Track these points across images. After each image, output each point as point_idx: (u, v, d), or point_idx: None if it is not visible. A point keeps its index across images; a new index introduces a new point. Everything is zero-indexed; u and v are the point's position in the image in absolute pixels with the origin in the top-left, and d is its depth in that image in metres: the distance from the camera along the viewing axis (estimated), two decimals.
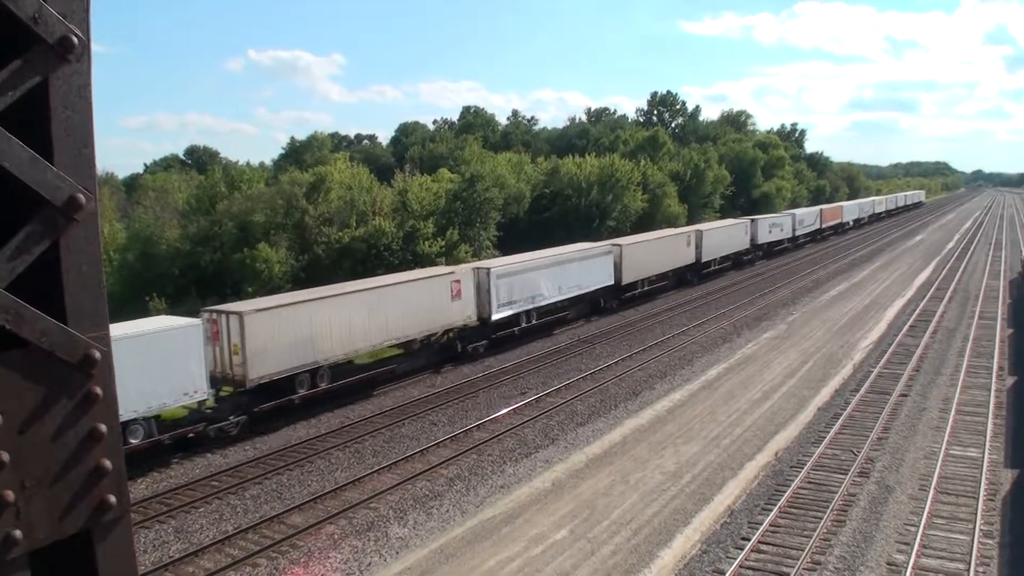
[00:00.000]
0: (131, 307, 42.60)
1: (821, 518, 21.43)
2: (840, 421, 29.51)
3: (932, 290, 59.58)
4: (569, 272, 48.22)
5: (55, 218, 2.02)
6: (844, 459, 25.94)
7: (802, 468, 25.13)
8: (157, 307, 44.15)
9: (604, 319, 51.26)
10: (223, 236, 54.06)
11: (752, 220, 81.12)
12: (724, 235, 72.75)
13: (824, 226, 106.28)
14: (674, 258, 62.88)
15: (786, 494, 23.12)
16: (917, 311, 50.52)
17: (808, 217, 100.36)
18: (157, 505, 23.56)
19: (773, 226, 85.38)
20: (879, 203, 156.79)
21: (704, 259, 67.17)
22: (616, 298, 54.82)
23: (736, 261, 75.85)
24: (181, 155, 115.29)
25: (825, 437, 27.92)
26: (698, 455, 26.75)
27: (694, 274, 66.45)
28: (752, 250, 79.43)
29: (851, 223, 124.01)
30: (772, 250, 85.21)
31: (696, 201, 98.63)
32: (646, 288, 58.55)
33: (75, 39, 2.01)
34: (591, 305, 52.54)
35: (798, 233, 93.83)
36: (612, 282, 52.90)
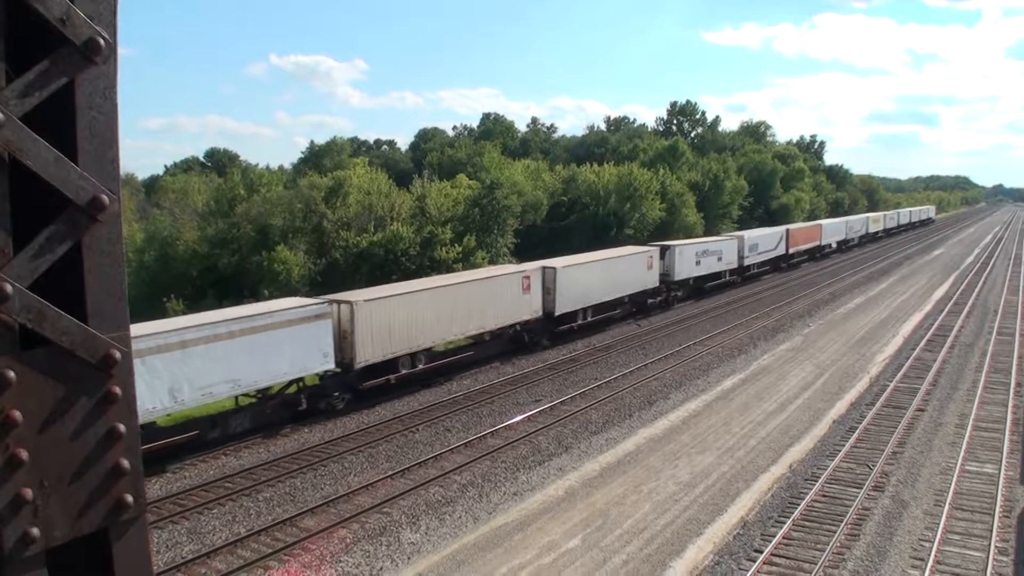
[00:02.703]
0: (148, 308, 42.80)
1: (835, 532, 21.31)
2: (855, 435, 29.34)
3: (950, 304, 59.18)
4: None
5: (78, 218, 2.03)
6: (859, 473, 25.78)
7: (816, 481, 25.00)
8: (175, 308, 44.38)
9: (619, 329, 51.15)
10: (241, 238, 54.33)
11: (664, 248, 58.60)
12: (600, 273, 49.38)
13: (793, 251, 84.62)
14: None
15: (800, 507, 23.00)
16: (935, 325, 50.21)
17: (767, 240, 78.24)
18: (171, 506, 23.62)
19: (704, 254, 63.32)
20: (875, 221, 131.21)
21: (558, 312, 45.43)
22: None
23: (636, 304, 54.46)
24: (201, 157, 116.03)
25: (840, 450, 27.77)
26: (712, 466, 26.64)
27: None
28: (666, 289, 58.13)
29: (833, 245, 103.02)
30: (703, 287, 63.95)
31: (714, 211, 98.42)
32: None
33: (102, 41, 2.03)
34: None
35: (750, 262, 72.98)
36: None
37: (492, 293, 40.74)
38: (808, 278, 77.00)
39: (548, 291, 44.32)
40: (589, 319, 48.43)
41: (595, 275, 48.22)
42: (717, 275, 66.28)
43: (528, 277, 43.33)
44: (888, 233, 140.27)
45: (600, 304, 49.44)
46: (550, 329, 46.01)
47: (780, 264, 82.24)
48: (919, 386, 35.63)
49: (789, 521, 22.06)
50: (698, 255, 62.10)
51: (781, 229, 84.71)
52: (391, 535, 21.89)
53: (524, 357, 42.78)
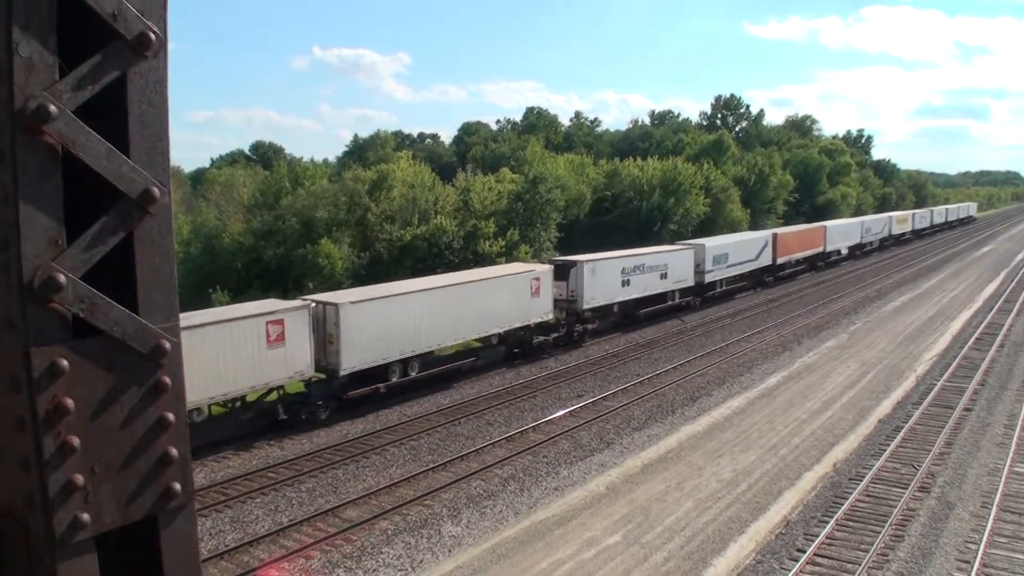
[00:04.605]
0: (193, 299, 43.26)
1: (879, 532, 21.06)
2: (901, 434, 28.97)
3: (1000, 302, 58.16)
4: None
5: (130, 210, 2.06)
6: (904, 473, 25.45)
7: (861, 481, 24.71)
8: (220, 300, 44.84)
9: (660, 324, 50.90)
10: (286, 231, 54.72)
11: (563, 265, 45.14)
12: (425, 309, 34.65)
13: (783, 260, 69.73)
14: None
15: (844, 506, 22.75)
16: (984, 323, 49.38)
17: (741, 248, 62.68)
18: (214, 494, 23.90)
19: (635, 270, 49.02)
20: (900, 221, 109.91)
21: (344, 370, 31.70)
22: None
23: (514, 344, 41.68)
24: (246, 150, 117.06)
25: (885, 450, 27.42)
26: (755, 464, 26.45)
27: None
28: (570, 321, 44.79)
29: (843, 252, 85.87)
30: (637, 314, 50.28)
31: (759, 206, 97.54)
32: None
33: (152, 36, 2.06)
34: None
35: (716, 277, 58.63)
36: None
37: (496, 294, 38.32)
38: (854, 274, 75.67)
39: (330, 338, 30.98)
40: (414, 374, 34.67)
41: (414, 312, 33.90)
42: (659, 297, 51.69)
43: (538, 278, 41.21)
44: (918, 235, 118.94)
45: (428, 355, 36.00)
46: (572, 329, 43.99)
47: (764, 278, 67.25)
48: (967, 385, 35.08)
49: (833, 521, 21.84)
50: (625, 272, 47.81)
51: (764, 234, 69.42)
52: (432, 527, 21.99)
53: (569, 352, 42.76)
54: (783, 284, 68.65)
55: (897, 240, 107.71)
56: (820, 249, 78.66)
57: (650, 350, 43.56)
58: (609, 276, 46.71)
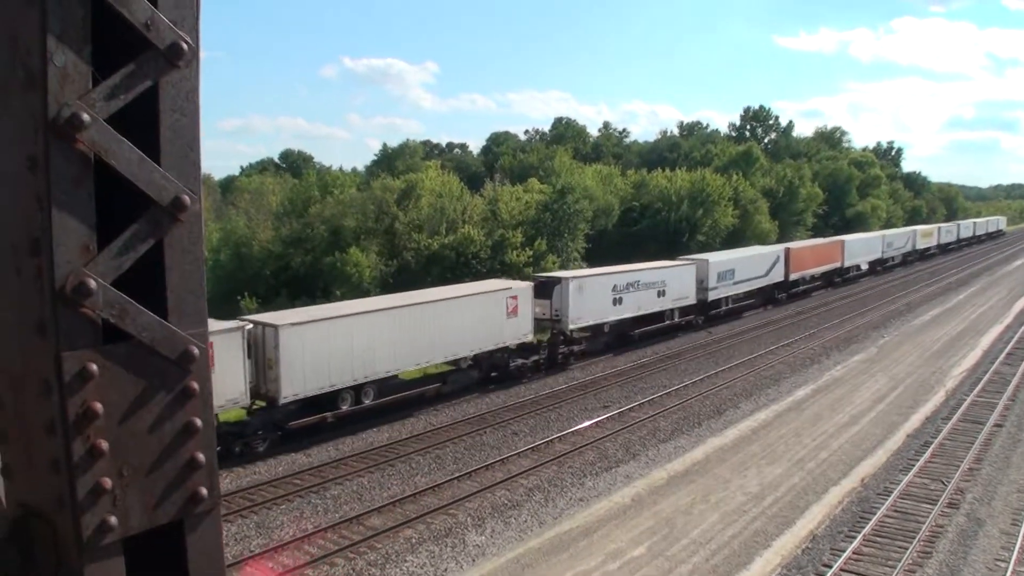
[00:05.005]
0: (222, 306, 43.58)
1: (907, 548, 20.83)
2: (930, 449, 28.65)
3: None
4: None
5: (161, 218, 2.09)
6: (933, 489, 25.17)
7: (889, 496, 24.47)
8: (248, 306, 45.17)
9: (687, 336, 50.73)
10: (315, 239, 55.14)
11: (546, 283, 42.22)
12: (385, 331, 32.18)
13: (797, 276, 66.23)
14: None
15: (871, 522, 22.53)
16: (1015, 338, 48.76)
17: (749, 264, 59.22)
18: (240, 500, 24.03)
19: (629, 287, 45.90)
20: (925, 235, 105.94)
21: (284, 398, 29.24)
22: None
23: (490, 369, 38.71)
24: (276, 158, 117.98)
25: (914, 465, 27.14)
26: (781, 477, 26.28)
27: None
28: (556, 343, 42.11)
29: (863, 267, 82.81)
30: (631, 334, 47.38)
31: (787, 218, 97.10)
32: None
33: (185, 45, 2.09)
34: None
35: (720, 295, 55.32)
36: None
37: (466, 313, 35.62)
38: (881, 288, 75.06)
39: (269, 362, 28.58)
40: (369, 402, 31.96)
41: (368, 334, 31.19)
42: (657, 316, 48.66)
43: (516, 297, 38.35)
44: (944, 250, 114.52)
45: (390, 380, 33.31)
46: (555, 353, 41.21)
47: (775, 295, 64.19)
48: (997, 401, 34.66)
49: (860, 536, 21.63)
50: (617, 289, 44.70)
51: (775, 249, 66.30)
52: (456, 536, 21.99)
53: (593, 362, 42.70)
54: (800, 300, 67.64)
55: (922, 255, 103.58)
56: (837, 264, 75.23)
57: (676, 362, 43.40)
58: (598, 294, 43.39)
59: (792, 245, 69.26)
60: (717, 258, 56.51)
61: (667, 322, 49.80)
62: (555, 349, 41.56)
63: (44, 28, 1.86)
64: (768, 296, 63.42)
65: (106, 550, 2.04)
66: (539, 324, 40.91)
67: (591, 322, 43.43)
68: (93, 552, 2.02)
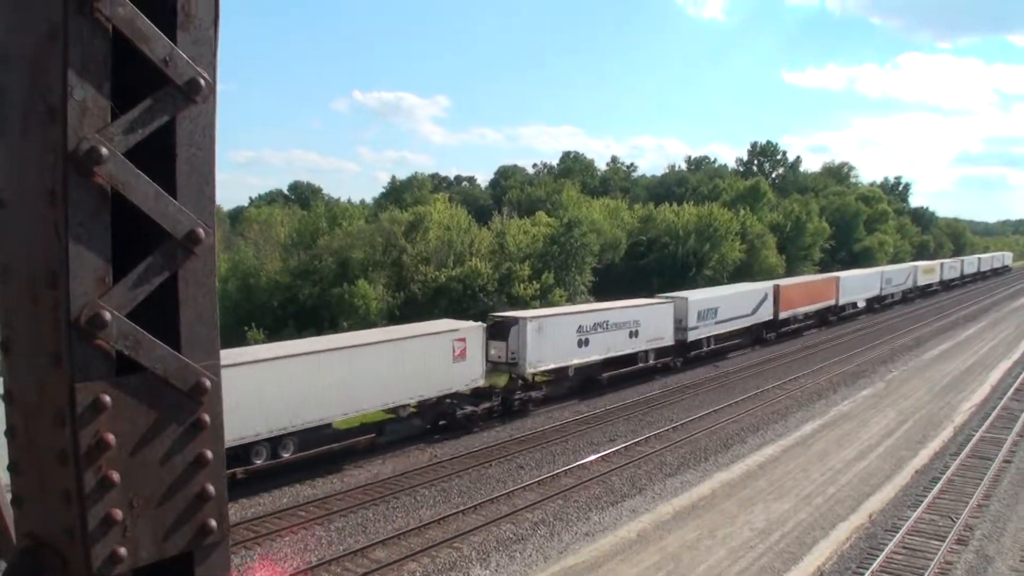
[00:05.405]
0: (229, 337, 43.59)
1: None
2: (938, 485, 28.49)
3: None
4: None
5: (175, 251, 2.11)
6: (942, 525, 25.00)
7: (897, 532, 24.30)
8: (255, 338, 45.19)
9: (695, 371, 50.61)
10: (323, 270, 55.24)
11: (500, 324, 39.58)
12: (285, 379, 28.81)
13: (787, 315, 63.34)
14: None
15: (879, 558, 22.35)
16: None
17: (734, 303, 56.26)
18: (244, 531, 23.93)
19: (596, 328, 42.92)
20: (927, 271, 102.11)
21: None
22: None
23: (437, 417, 35.94)
24: (285, 190, 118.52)
25: (922, 501, 26.96)
26: (789, 513, 26.12)
27: None
28: (513, 388, 39.32)
29: (860, 304, 79.03)
30: (599, 377, 44.05)
31: (795, 253, 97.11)
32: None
33: (202, 81, 2.12)
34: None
35: (702, 335, 52.26)
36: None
37: (404, 358, 32.48)
38: (890, 322, 74.77)
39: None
40: (288, 455, 28.95)
41: (284, 381, 28.18)
42: (629, 359, 45.58)
43: (463, 339, 35.32)
44: (947, 287, 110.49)
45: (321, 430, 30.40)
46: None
47: (764, 335, 61.06)
48: (1006, 436, 34.47)
49: (868, 573, 21.46)
50: (583, 330, 41.75)
51: (764, 285, 62.87)
52: (461, 570, 21.87)
53: (602, 395, 42.57)
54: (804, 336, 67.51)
55: (923, 292, 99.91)
56: (832, 302, 71.75)
57: (683, 396, 43.26)
58: (560, 335, 40.26)
59: (782, 282, 66.43)
60: (698, 296, 53.50)
61: (640, 365, 46.52)
62: (510, 395, 38.35)
63: (65, 63, 1.90)
64: (756, 336, 60.37)
65: None
66: (498, 368, 38.92)
67: (552, 365, 40.24)
68: None
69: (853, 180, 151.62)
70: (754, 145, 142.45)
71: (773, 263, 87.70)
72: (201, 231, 2.14)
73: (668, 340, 48.28)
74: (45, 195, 1.96)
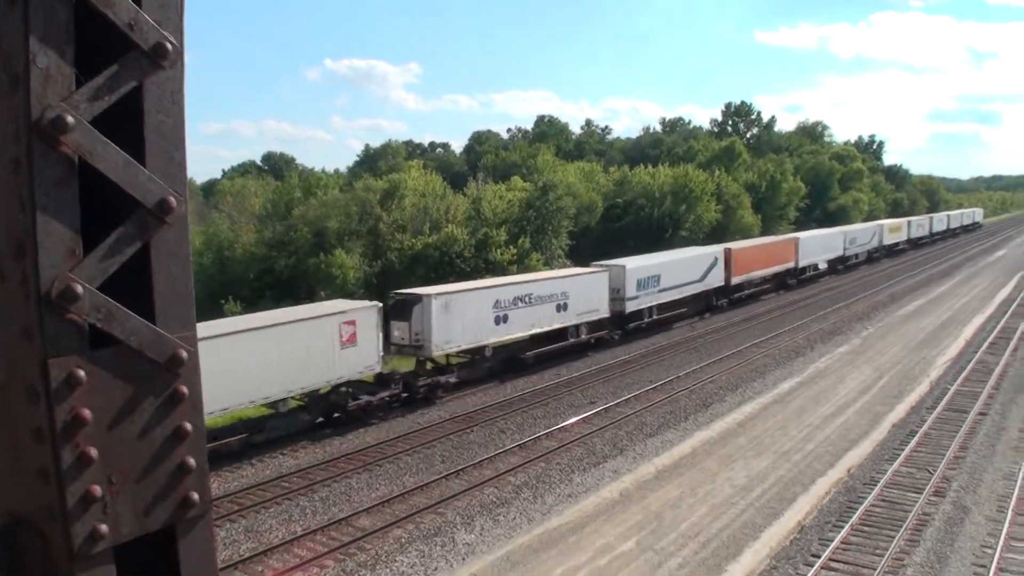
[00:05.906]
0: (206, 310, 43.33)
1: (894, 537, 20.94)
2: (915, 439, 28.81)
3: (1014, 307, 57.77)
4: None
5: (147, 220, 2.06)
6: (919, 478, 25.31)
7: (875, 485, 24.59)
8: (232, 310, 44.95)
9: (677, 331, 50.83)
10: (298, 241, 54.89)
11: (405, 301, 36.30)
12: None
13: (740, 280, 60.35)
14: None
15: (858, 511, 22.63)
16: (998, 328, 49.07)
17: (678, 269, 52.68)
18: (228, 504, 23.92)
19: (516, 303, 39.48)
20: (893, 230, 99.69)
21: None
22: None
23: (321, 410, 32.53)
24: (258, 161, 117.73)
25: (900, 455, 27.28)
26: (768, 469, 26.37)
27: None
28: (415, 374, 35.63)
29: (822, 266, 76.24)
30: (521, 356, 40.64)
31: (770, 212, 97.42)
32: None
33: (169, 46, 2.06)
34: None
35: (640, 305, 48.83)
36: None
37: (279, 346, 28.94)
38: (867, 279, 75.22)
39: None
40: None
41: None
42: (558, 334, 42.46)
43: (353, 322, 31.77)
44: (915, 245, 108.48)
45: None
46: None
47: (715, 302, 57.85)
48: (981, 390, 34.86)
49: (847, 526, 21.73)
50: (500, 305, 38.41)
51: (713, 249, 58.98)
52: (446, 535, 21.97)
53: (584, 358, 42.69)
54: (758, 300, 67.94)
55: (889, 252, 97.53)
56: (791, 265, 68.87)
57: (662, 356, 43.46)
58: (473, 312, 36.81)
59: (734, 245, 62.44)
60: (637, 263, 49.84)
61: (571, 340, 43.28)
62: (413, 382, 34.62)
63: (26, 29, 1.83)
64: (706, 303, 57.28)
65: (97, 558, 2.01)
66: (403, 352, 36.25)
67: (464, 346, 36.90)
68: (84, 561, 1.99)
69: (827, 139, 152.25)
70: (728, 106, 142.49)
71: (749, 223, 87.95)
72: (172, 200, 2.09)
73: (603, 312, 45.20)
74: (9, 164, 1.90)
